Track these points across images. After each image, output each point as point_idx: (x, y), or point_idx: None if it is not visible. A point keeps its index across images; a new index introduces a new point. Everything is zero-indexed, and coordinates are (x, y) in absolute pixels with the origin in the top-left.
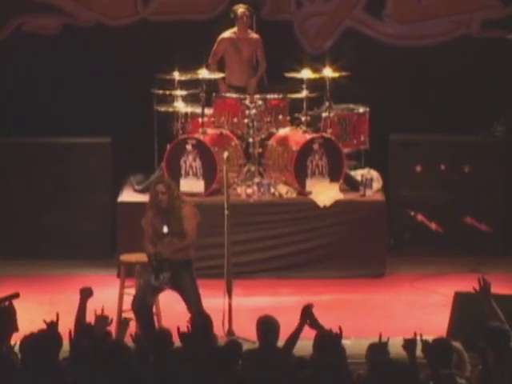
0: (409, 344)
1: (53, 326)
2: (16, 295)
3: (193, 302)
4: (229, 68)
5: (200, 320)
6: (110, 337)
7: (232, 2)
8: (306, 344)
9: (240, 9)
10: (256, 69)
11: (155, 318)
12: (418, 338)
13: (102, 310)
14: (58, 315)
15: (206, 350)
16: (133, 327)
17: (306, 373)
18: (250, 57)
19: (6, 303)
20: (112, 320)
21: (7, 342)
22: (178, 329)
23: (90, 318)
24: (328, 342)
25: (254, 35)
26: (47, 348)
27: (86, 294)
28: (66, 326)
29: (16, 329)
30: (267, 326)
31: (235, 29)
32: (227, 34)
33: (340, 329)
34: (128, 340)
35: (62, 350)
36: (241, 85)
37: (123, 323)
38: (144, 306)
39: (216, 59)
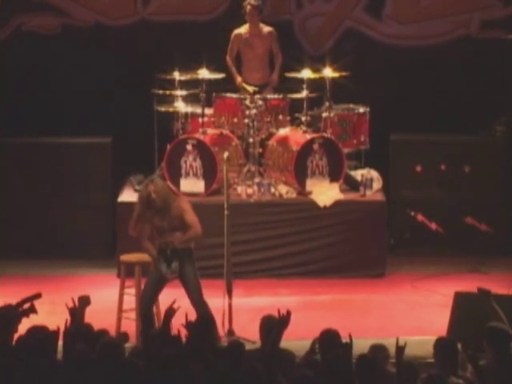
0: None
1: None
2: (38, 296)
3: (194, 292)
4: (245, 66)
5: (199, 321)
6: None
7: (232, 3)
8: (305, 344)
9: (248, 5)
10: (272, 64)
11: (155, 317)
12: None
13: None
14: None
15: (208, 351)
16: (132, 326)
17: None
18: (265, 52)
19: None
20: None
21: (9, 342)
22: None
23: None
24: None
25: (267, 29)
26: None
27: (85, 302)
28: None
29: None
30: (271, 325)
31: (247, 25)
32: (240, 30)
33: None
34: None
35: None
36: (257, 83)
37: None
38: (151, 305)
39: (233, 55)
